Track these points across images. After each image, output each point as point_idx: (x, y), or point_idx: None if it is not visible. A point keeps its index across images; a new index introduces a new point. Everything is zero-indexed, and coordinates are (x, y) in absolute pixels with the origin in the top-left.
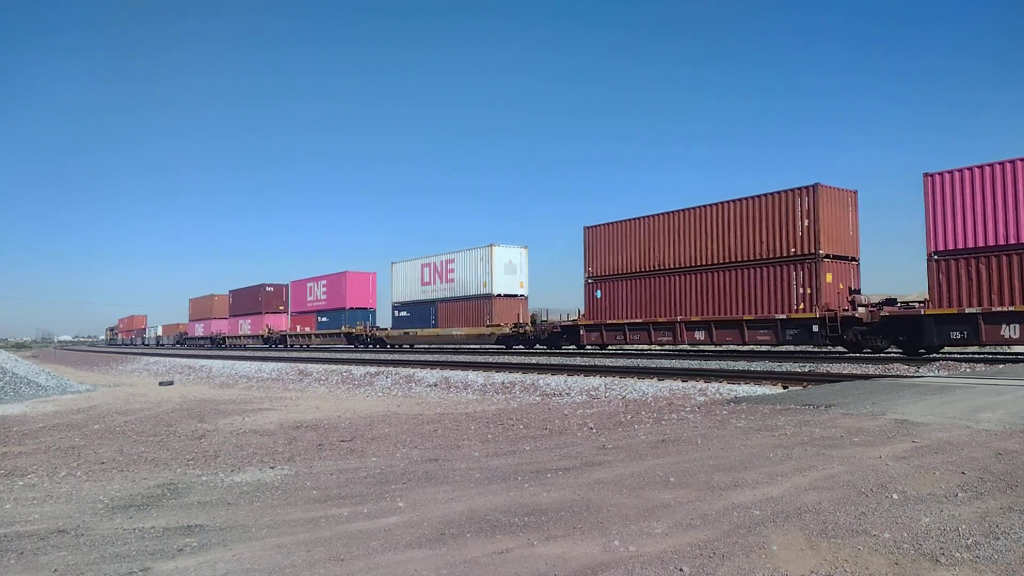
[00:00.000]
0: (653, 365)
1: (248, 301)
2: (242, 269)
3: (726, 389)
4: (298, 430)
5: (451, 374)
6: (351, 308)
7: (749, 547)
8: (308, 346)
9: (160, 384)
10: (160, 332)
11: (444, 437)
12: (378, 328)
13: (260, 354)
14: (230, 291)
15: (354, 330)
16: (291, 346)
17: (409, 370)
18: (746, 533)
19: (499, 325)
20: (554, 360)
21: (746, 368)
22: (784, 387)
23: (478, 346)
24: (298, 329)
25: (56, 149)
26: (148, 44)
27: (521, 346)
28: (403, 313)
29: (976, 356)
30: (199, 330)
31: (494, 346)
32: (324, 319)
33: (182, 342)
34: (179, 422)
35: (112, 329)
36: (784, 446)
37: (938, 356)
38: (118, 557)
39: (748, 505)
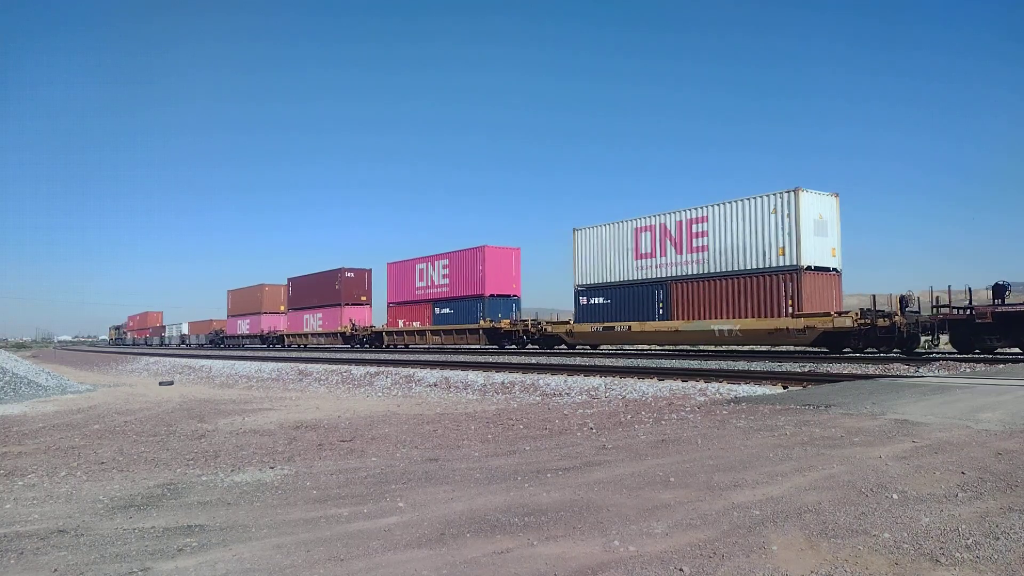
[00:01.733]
0: (653, 365)
1: (318, 291)
2: (249, 268)
3: (726, 389)
4: (298, 430)
5: (451, 374)
6: (491, 295)
7: (749, 547)
8: (407, 346)
9: (160, 384)
10: (186, 330)
11: (444, 437)
12: (551, 322)
13: (267, 354)
14: (290, 279)
15: (500, 325)
16: (390, 346)
17: (409, 370)
18: (746, 533)
19: (827, 314)
20: (554, 360)
21: (746, 368)
22: (784, 387)
23: (773, 347)
24: (401, 324)
25: (56, 148)
26: (148, 43)
27: (876, 349)
28: (596, 300)
29: (976, 356)
30: (243, 327)
31: (809, 349)
32: (446, 311)
33: (218, 341)
34: (179, 422)
35: (118, 328)
36: (784, 446)
37: (938, 356)
38: (118, 557)
39: (748, 505)
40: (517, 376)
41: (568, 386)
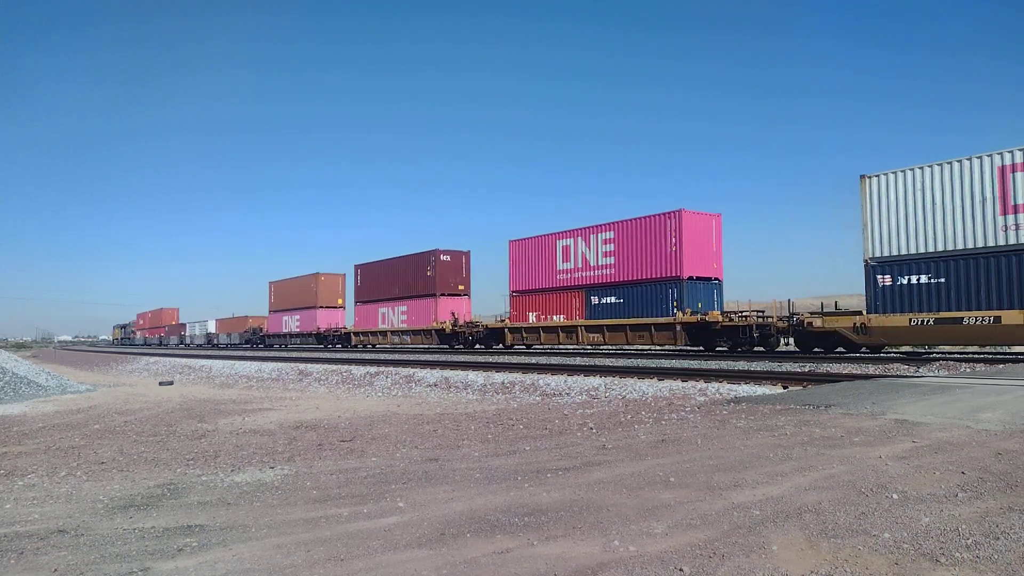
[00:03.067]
0: (653, 365)
1: (401, 278)
2: (250, 268)
3: (726, 389)
4: (298, 430)
5: (451, 374)
6: (690, 278)
7: (749, 547)
8: (530, 347)
9: (160, 384)
10: (213, 328)
11: (444, 437)
12: (820, 313)
13: (267, 354)
14: (358, 266)
15: (711, 318)
16: (515, 346)
17: (409, 370)
18: (746, 533)
19: None
20: (554, 360)
21: (746, 368)
22: (784, 387)
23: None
24: (533, 319)
25: (56, 148)
26: (148, 43)
27: None
28: (913, 279)
29: (976, 356)
30: (291, 324)
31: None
32: (609, 300)
33: (257, 341)
34: (179, 422)
35: (124, 327)
36: (784, 446)
37: (938, 356)
38: (118, 557)
39: (748, 505)
40: (517, 376)
41: (568, 386)
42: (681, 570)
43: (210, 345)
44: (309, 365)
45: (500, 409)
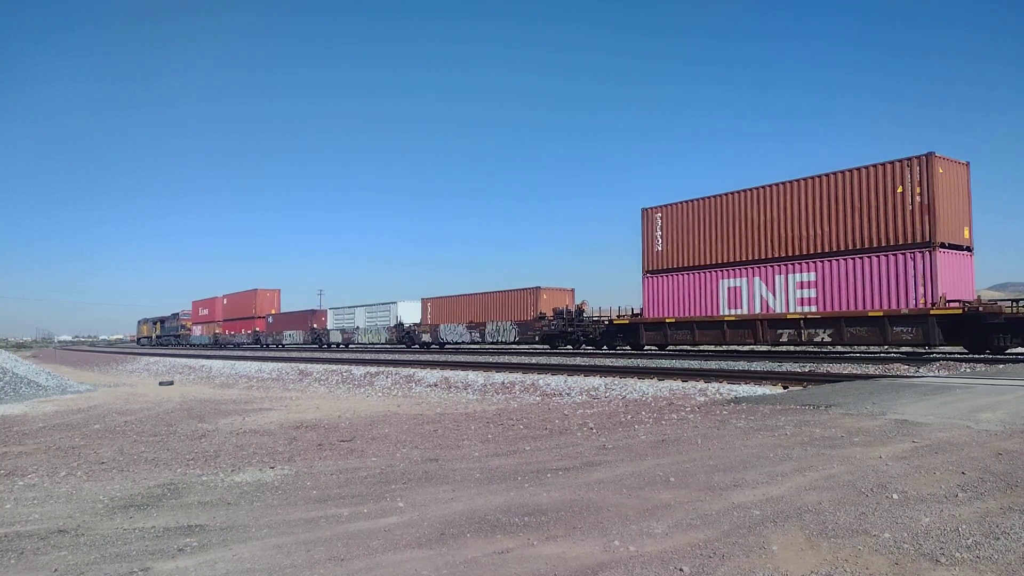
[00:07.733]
0: (653, 365)
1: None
2: (252, 269)
3: (726, 389)
4: (298, 430)
5: (451, 374)
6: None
7: (749, 547)
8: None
9: (160, 384)
10: (411, 316)
11: (444, 437)
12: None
13: (266, 354)
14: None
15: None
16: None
17: (409, 370)
18: (746, 533)
19: None
20: (554, 360)
21: (746, 368)
22: (784, 387)
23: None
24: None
25: (56, 149)
26: (148, 44)
27: None
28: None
29: (976, 356)
30: (782, 296)
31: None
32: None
33: (608, 337)
34: (179, 422)
35: (163, 321)
36: (784, 446)
37: (938, 356)
38: (118, 557)
39: (748, 505)
40: (517, 376)
41: (568, 386)
42: (681, 570)
43: (412, 346)
44: (309, 365)
45: (500, 409)
